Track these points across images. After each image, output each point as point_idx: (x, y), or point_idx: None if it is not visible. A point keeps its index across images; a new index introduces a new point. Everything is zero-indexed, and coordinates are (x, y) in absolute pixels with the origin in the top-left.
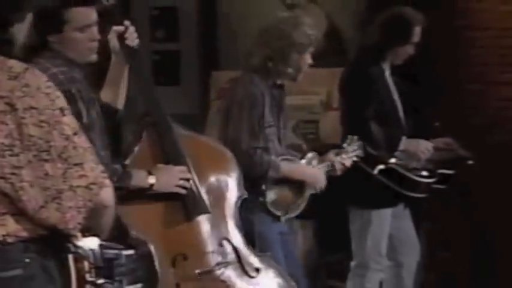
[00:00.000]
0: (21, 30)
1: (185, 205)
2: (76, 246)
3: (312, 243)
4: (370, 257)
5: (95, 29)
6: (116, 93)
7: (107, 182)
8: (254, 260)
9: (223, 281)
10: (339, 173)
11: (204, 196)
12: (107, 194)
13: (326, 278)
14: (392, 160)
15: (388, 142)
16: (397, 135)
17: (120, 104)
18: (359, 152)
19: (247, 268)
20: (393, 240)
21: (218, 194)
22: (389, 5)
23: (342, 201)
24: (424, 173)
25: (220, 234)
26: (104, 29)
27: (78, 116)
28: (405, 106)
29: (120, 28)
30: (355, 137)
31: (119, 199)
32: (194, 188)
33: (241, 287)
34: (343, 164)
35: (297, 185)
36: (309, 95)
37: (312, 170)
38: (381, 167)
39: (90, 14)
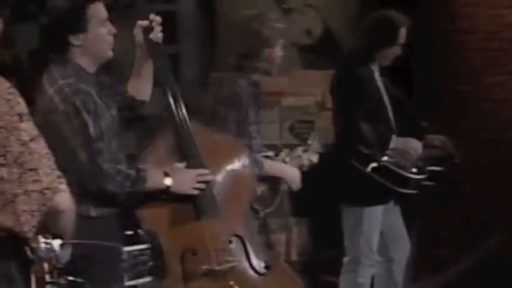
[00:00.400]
0: None
1: (195, 204)
2: (34, 249)
3: (306, 240)
4: (362, 252)
5: (109, 23)
6: (141, 86)
7: (62, 187)
8: (263, 257)
9: (231, 278)
10: (305, 169)
11: (217, 193)
12: (62, 199)
13: (320, 273)
14: (384, 158)
15: (379, 141)
16: (387, 134)
17: (146, 96)
18: (320, 149)
19: (256, 265)
20: (384, 236)
21: (232, 191)
22: (382, 9)
23: (335, 199)
24: (414, 170)
25: (231, 230)
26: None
27: (84, 127)
28: (394, 106)
29: (145, 22)
30: (316, 134)
31: (135, 204)
32: (207, 189)
33: (249, 283)
34: (311, 161)
35: (274, 183)
36: (304, 96)
37: (291, 169)
38: (374, 165)
39: (104, 9)
